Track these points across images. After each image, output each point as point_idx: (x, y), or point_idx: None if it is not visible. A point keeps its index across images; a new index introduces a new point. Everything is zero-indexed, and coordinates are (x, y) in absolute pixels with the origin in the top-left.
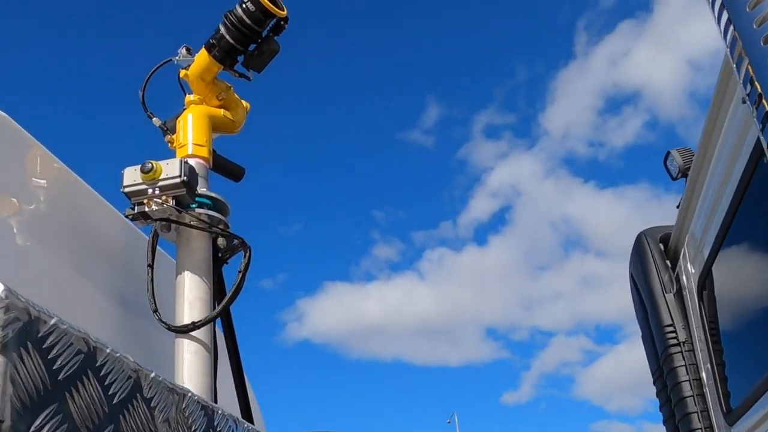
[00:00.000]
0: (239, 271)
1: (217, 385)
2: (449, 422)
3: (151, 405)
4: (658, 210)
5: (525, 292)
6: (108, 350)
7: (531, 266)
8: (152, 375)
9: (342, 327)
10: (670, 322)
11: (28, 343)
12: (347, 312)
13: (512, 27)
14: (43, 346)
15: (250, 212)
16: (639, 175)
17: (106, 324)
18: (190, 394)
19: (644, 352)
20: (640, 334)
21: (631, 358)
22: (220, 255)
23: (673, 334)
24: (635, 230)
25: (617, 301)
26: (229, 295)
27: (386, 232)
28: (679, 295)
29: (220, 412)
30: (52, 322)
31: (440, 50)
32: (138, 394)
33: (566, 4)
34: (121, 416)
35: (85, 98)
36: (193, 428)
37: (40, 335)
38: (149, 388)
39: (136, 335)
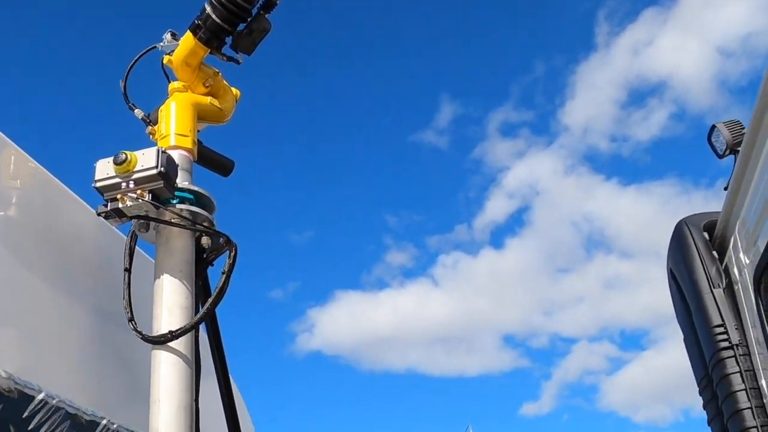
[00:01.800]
0: (223, 273)
1: (202, 402)
2: None
3: None
4: (687, 206)
5: (545, 296)
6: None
7: (551, 269)
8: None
9: (354, 337)
10: (720, 322)
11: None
12: (359, 321)
13: (529, 20)
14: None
15: (260, 220)
16: (665, 170)
17: (81, 336)
18: None
19: (687, 357)
20: (682, 337)
21: (659, 365)
22: (204, 256)
23: (725, 336)
24: (662, 228)
25: (643, 304)
26: (210, 300)
27: (399, 237)
28: (730, 290)
29: None
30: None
31: (453, 47)
32: None
33: None
34: None
35: (65, 92)
36: None
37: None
38: None
39: (113, 348)
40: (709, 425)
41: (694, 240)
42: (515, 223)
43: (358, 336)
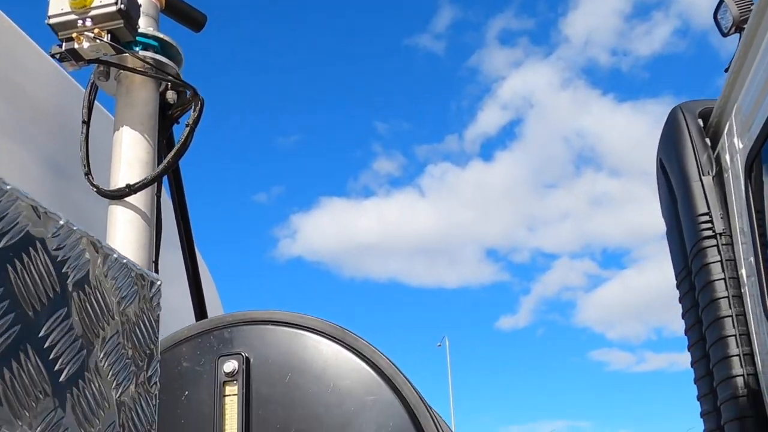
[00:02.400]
0: (187, 125)
1: (160, 263)
2: (439, 345)
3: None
4: None
5: (530, 211)
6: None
7: (538, 184)
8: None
9: (336, 245)
10: (705, 210)
11: None
12: (342, 229)
13: None
14: None
15: (247, 122)
16: (663, 88)
17: (33, 190)
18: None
19: (668, 252)
20: (665, 230)
21: (638, 284)
22: (169, 113)
23: (709, 225)
24: (654, 148)
25: (628, 223)
26: (172, 152)
27: (388, 145)
28: (719, 179)
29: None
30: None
31: None
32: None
33: None
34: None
35: None
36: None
37: None
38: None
39: (69, 204)
40: (683, 318)
41: (687, 126)
42: (506, 135)
43: (341, 243)
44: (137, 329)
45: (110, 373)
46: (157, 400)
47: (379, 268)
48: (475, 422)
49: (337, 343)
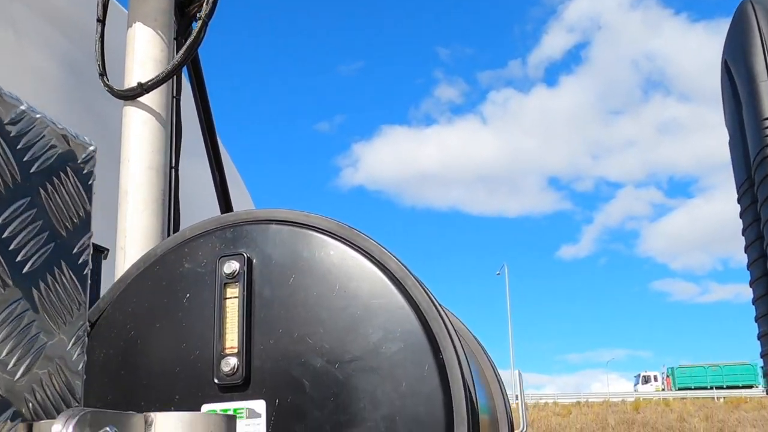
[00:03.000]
0: (199, 18)
1: (187, 165)
2: (498, 274)
3: None
4: None
5: (594, 138)
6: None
7: (604, 110)
8: None
9: (398, 173)
10: None
11: None
12: (404, 158)
13: None
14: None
15: (309, 51)
16: None
17: (51, 95)
18: None
19: (731, 166)
20: (728, 140)
21: (704, 214)
22: (187, 10)
23: None
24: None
25: (696, 150)
26: (183, 48)
27: (450, 71)
28: None
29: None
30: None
31: None
32: None
33: None
34: None
35: None
36: None
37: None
38: None
39: (87, 107)
40: (743, 235)
41: (757, 20)
42: (572, 60)
43: (402, 172)
44: (56, 197)
45: (19, 248)
46: (89, 282)
47: (440, 197)
48: (534, 350)
49: (344, 243)
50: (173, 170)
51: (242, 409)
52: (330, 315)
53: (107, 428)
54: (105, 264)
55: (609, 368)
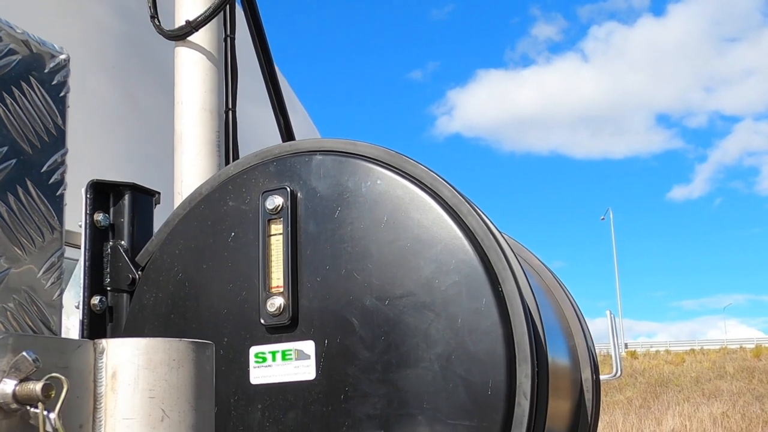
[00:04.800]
0: None
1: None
2: (603, 219)
3: None
4: None
5: (707, 70)
6: None
7: (717, 38)
8: None
9: (495, 119)
10: None
11: None
12: (501, 102)
13: None
14: None
15: None
16: None
17: (103, 38)
18: None
19: None
20: None
21: None
22: None
23: None
24: None
25: None
26: None
27: (547, 7)
28: None
29: None
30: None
31: None
32: None
33: None
34: None
35: None
36: None
37: None
38: None
39: (138, 49)
40: None
41: None
42: None
43: (500, 117)
44: (18, 109)
45: None
46: (64, 203)
47: (540, 141)
48: (645, 298)
49: (393, 170)
50: (230, 112)
51: (291, 350)
52: (378, 249)
53: (24, 353)
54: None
55: (727, 314)
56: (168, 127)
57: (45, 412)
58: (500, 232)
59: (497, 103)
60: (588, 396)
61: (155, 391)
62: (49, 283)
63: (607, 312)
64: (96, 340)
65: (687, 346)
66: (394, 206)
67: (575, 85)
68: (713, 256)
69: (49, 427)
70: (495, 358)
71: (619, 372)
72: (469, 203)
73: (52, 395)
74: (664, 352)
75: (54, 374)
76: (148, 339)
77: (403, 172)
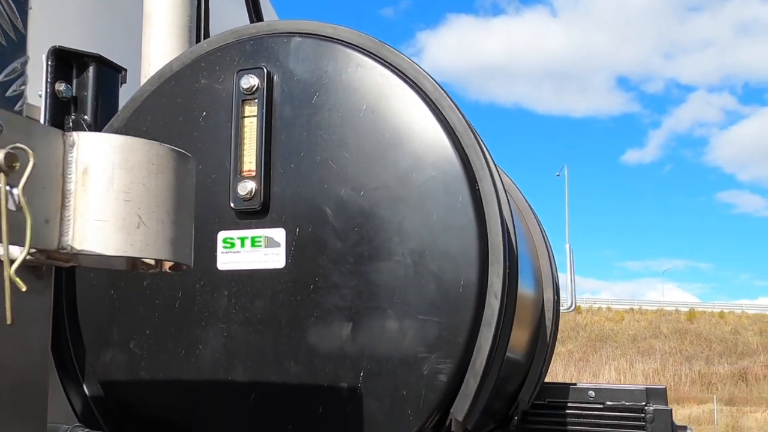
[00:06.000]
0: None
1: None
2: (558, 175)
3: None
4: None
5: (669, 37)
6: None
7: (682, 6)
8: None
9: (462, 65)
10: None
11: None
12: (469, 49)
13: None
14: None
15: None
16: None
17: None
18: None
19: None
20: None
21: None
22: None
23: None
24: None
25: None
26: None
27: None
28: None
29: None
30: None
31: None
32: None
33: None
34: None
35: None
36: None
37: None
38: None
39: None
40: None
41: None
42: None
43: (467, 64)
44: None
45: None
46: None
47: (504, 92)
48: (592, 256)
49: (374, 59)
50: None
51: (260, 237)
52: (356, 138)
53: None
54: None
55: (666, 278)
56: (137, 5)
57: (8, 187)
58: (475, 130)
59: (465, 49)
60: (549, 315)
61: (131, 194)
62: None
63: (567, 246)
64: (66, 132)
65: (627, 305)
66: (374, 95)
67: (542, 39)
68: (659, 221)
69: (11, 205)
70: (468, 256)
71: (573, 305)
72: (450, 99)
73: (16, 167)
74: (606, 309)
75: (19, 144)
76: (125, 137)
77: (385, 61)
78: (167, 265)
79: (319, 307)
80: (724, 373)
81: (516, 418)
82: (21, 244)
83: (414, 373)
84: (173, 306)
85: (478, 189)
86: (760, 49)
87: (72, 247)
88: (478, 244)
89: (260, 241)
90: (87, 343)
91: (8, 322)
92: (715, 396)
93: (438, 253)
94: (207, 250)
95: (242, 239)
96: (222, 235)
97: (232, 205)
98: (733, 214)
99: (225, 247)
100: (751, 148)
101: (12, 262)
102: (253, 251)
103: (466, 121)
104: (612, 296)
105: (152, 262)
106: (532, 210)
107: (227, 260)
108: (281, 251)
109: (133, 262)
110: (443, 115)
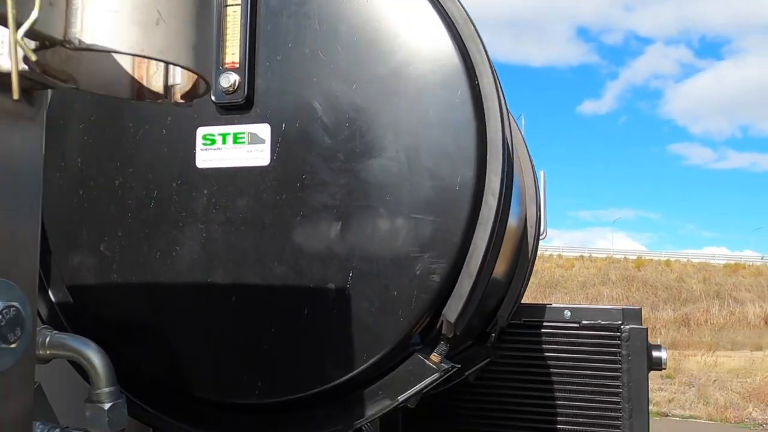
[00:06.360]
0: None
1: None
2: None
3: None
4: None
5: None
6: None
7: None
8: None
9: None
10: None
11: None
12: None
13: None
14: None
15: None
16: None
17: None
18: None
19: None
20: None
21: (733, 78)
22: None
23: None
24: None
25: (734, 9)
26: None
27: None
28: None
29: None
30: None
31: None
32: None
33: None
34: None
35: None
36: None
37: None
38: None
39: None
40: None
41: None
42: None
43: None
44: None
45: None
46: None
47: None
48: (547, 205)
49: None
50: None
51: (243, 133)
52: (348, 29)
53: None
54: None
55: (616, 227)
56: None
57: None
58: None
59: None
60: (531, 232)
61: None
62: None
63: (541, 173)
64: None
65: (578, 252)
66: None
67: None
68: (612, 171)
69: None
70: (466, 153)
71: (545, 233)
72: None
73: None
74: (557, 256)
75: None
76: None
77: None
78: (178, 92)
79: (306, 206)
80: (667, 318)
81: (494, 335)
82: (24, 19)
83: (405, 273)
84: (148, 206)
85: (478, 84)
86: (717, 3)
87: (80, 41)
88: (477, 141)
89: (243, 138)
90: (53, 247)
91: (14, 96)
92: (659, 340)
93: (434, 150)
94: (185, 148)
95: (224, 135)
96: (201, 131)
97: (213, 98)
98: (683, 166)
99: (205, 144)
100: (704, 101)
101: (19, 26)
102: (235, 148)
103: (466, 12)
104: (563, 244)
105: (160, 89)
106: (514, 119)
107: (207, 158)
108: (266, 148)
109: (140, 89)
110: (441, 5)
